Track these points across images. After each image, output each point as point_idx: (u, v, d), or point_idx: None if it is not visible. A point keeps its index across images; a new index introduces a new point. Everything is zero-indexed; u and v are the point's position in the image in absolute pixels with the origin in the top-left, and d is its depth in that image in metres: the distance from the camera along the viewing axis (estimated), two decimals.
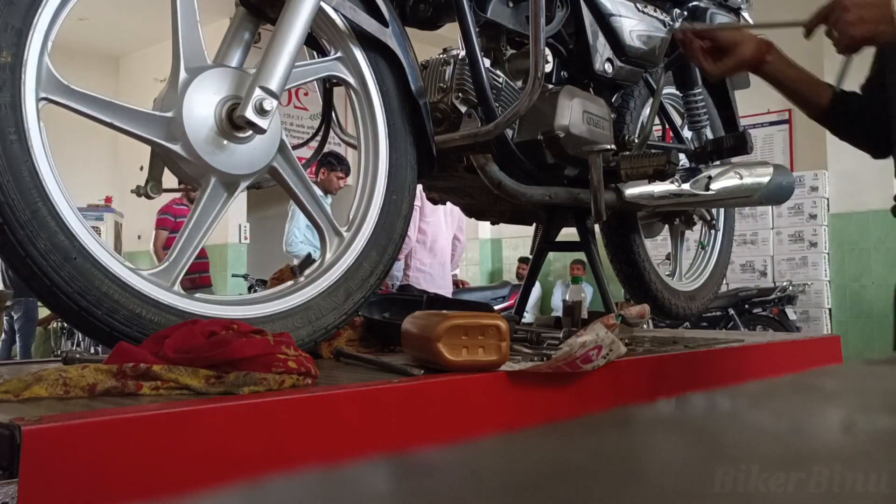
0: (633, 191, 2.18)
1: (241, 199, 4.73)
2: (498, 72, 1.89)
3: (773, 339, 2.61)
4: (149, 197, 1.55)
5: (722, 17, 2.41)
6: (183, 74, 1.33)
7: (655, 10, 2.21)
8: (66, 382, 1.02)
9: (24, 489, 0.79)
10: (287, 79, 1.39)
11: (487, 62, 1.84)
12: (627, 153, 2.10)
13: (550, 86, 1.98)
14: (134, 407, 0.95)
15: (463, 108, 1.80)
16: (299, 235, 4.96)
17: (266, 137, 1.38)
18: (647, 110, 2.38)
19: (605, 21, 2.04)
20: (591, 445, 0.28)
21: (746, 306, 6.49)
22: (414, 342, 1.35)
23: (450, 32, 1.89)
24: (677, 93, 2.49)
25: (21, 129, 1.14)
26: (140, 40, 8.35)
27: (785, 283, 6.69)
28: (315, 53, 1.78)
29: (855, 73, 1.64)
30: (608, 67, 2.09)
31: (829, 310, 6.96)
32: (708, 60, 1.67)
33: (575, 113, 1.90)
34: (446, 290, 4.44)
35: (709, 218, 2.81)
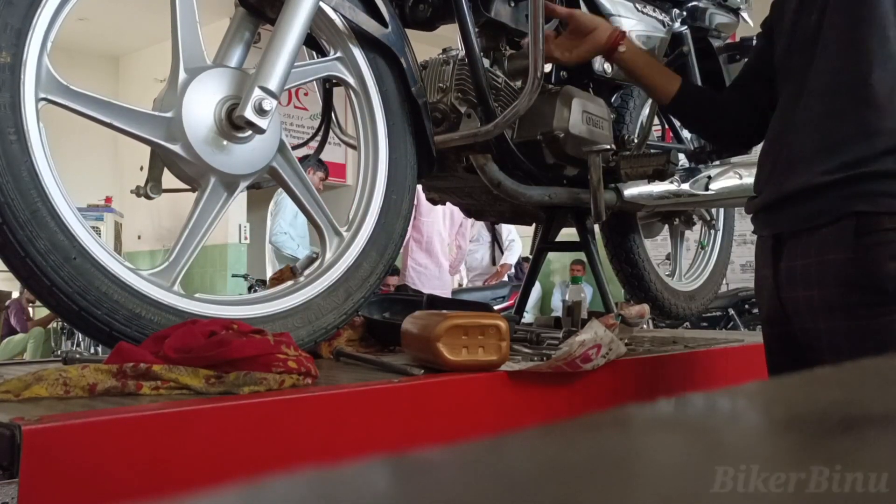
0: (632, 191, 2.19)
1: (241, 199, 4.73)
2: (497, 72, 1.89)
3: None
4: (149, 197, 1.55)
5: (721, 18, 2.42)
6: (182, 75, 1.33)
7: (654, 11, 2.21)
8: (66, 382, 1.02)
9: (24, 489, 0.79)
10: (286, 79, 1.39)
11: (487, 62, 1.84)
12: (627, 153, 2.10)
13: (550, 86, 1.98)
14: (134, 407, 0.95)
15: (462, 108, 1.80)
16: (284, 227, 5.00)
17: (266, 137, 1.38)
18: (646, 110, 2.38)
19: None
20: (591, 445, 0.28)
21: (746, 306, 6.49)
22: (414, 342, 1.35)
23: (450, 32, 1.89)
24: None
25: (21, 130, 1.14)
26: (140, 40, 8.35)
27: None
28: (315, 53, 1.78)
29: None
30: (607, 67, 2.09)
31: None
32: (560, 49, 1.73)
33: (574, 113, 1.90)
34: (444, 291, 4.46)
35: (708, 218, 2.82)
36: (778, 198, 1.34)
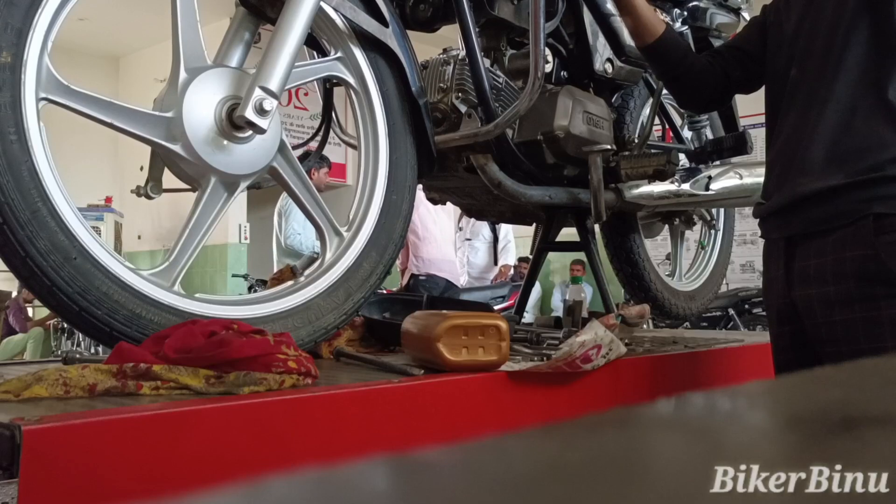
0: (632, 191, 2.18)
1: (241, 199, 4.74)
2: (498, 72, 1.89)
3: None
4: (149, 197, 1.55)
5: (722, 17, 2.42)
6: (183, 74, 1.33)
7: (655, 11, 2.21)
8: (66, 382, 1.02)
9: (24, 489, 0.79)
10: (287, 79, 1.39)
11: (487, 62, 1.85)
12: (627, 153, 2.10)
13: (550, 86, 1.98)
14: (134, 407, 0.95)
15: (463, 108, 1.80)
16: (298, 228, 5.01)
17: (266, 137, 1.38)
18: (647, 110, 2.38)
19: (605, 21, 2.04)
20: (591, 445, 0.28)
21: (746, 306, 6.49)
22: (414, 342, 1.35)
23: (450, 32, 1.89)
24: None
25: (21, 130, 1.14)
26: (140, 40, 8.35)
27: None
28: (315, 53, 1.78)
29: None
30: (608, 67, 2.09)
31: None
32: None
33: (575, 113, 1.91)
34: (455, 280, 4.72)
35: (709, 218, 2.82)
36: (791, 202, 1.41)
